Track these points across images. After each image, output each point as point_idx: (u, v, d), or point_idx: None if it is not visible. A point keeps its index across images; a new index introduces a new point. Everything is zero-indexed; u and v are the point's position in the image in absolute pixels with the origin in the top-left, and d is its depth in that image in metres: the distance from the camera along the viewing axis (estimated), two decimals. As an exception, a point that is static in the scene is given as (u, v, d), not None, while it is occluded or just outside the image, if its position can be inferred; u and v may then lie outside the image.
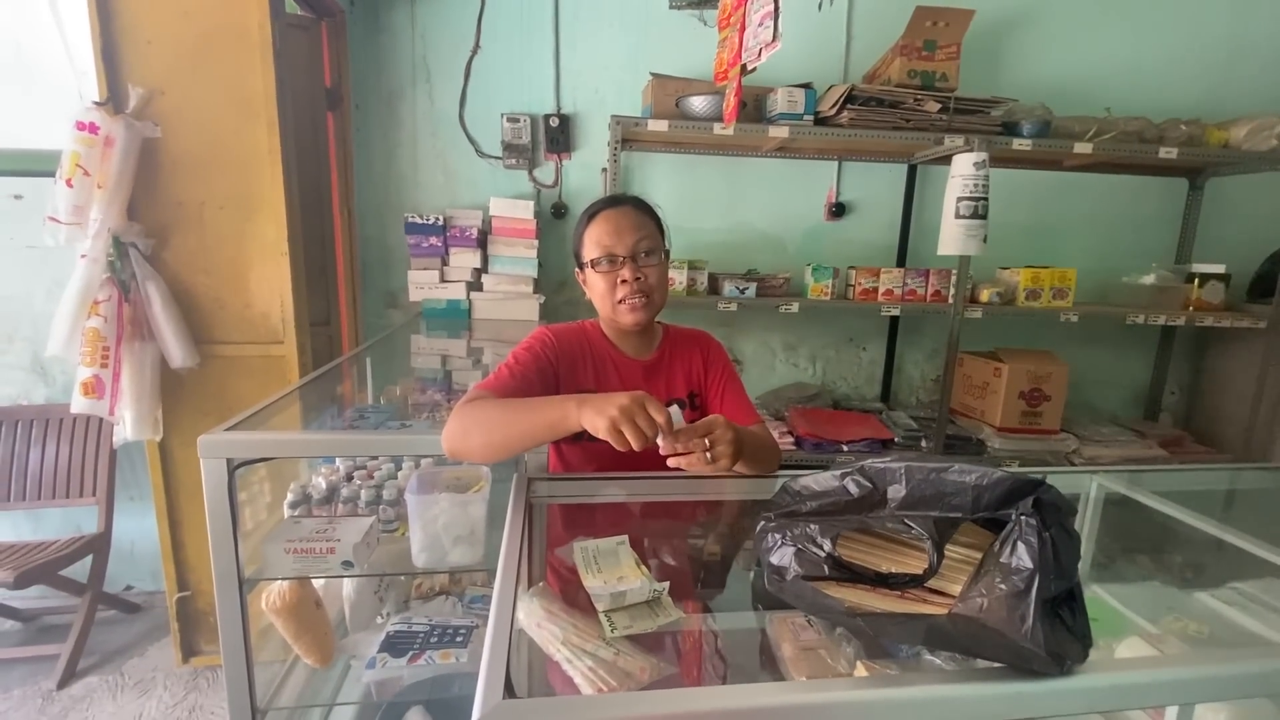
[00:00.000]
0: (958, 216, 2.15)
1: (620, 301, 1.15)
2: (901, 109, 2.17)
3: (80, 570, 2.26)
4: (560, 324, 1.24)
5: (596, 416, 0.86)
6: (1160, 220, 2.77)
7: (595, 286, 1.17)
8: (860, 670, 0.81)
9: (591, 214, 1.19)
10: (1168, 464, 2.39)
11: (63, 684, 2.12)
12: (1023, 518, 0.62)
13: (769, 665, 0.97)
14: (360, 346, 2.44)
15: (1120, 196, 2.73)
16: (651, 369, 1.24)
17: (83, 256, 1.81)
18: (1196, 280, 2.51)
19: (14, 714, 2.00)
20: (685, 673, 0.90)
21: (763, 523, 0.80)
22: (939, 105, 2.16)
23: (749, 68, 1.68)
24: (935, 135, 2.19)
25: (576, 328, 1.25)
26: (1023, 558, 0.60)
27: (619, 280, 1.14)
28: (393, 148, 2.50)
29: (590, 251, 1.16)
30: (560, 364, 1.16)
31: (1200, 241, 2.74)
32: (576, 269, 1.24)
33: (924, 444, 2.41)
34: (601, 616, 0.70)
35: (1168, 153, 2.29)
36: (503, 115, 2.47)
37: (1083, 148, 2.25)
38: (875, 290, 2.39)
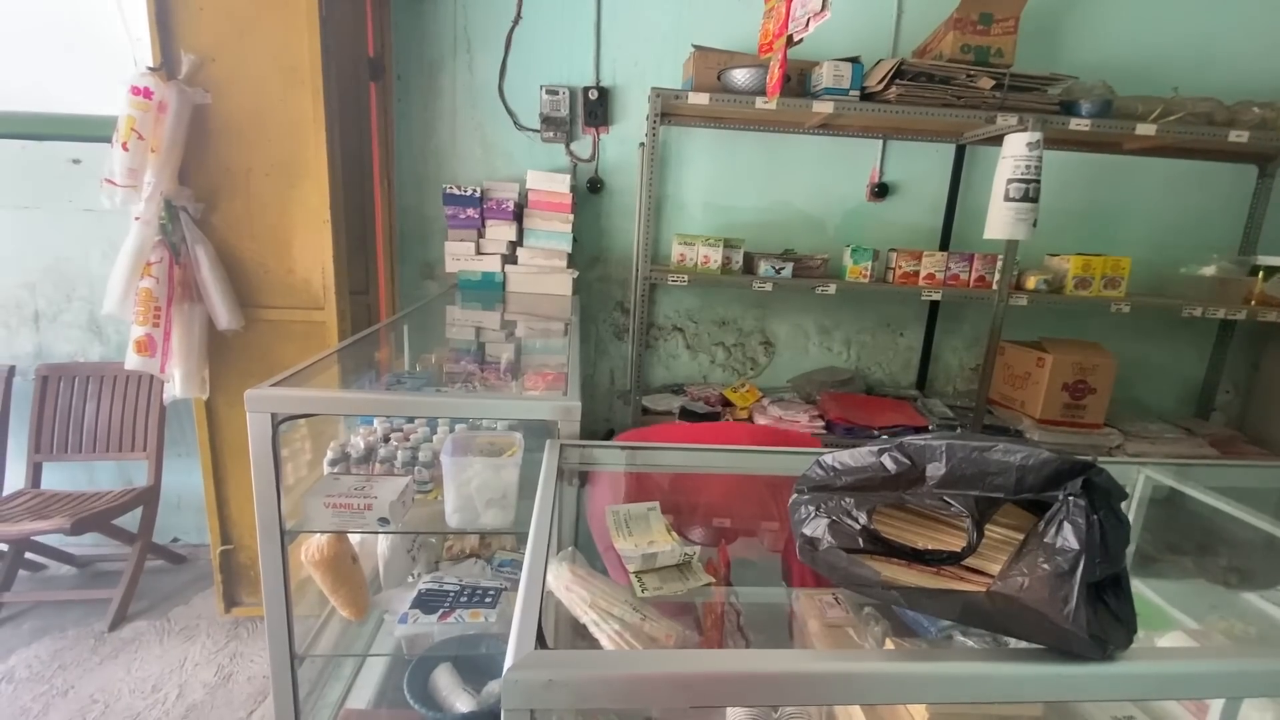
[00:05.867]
0: (1007, 199, 2.07)
1: None
2: (953, 85, 2.08)
3: (131, 521, 2.38)
4: None
5: None
6: (1225, 209, 2.63)
7: None
8: (889, 647, 0.80)
9: None
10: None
11: (114, 626, 2.24)
12: (1070, 498, 0.61)
13: (795, 640, 0.97)
14: (397, 314, 2.48)
15: (1183, 182, 2.59)
16: None
17: (136, 219, 1.87)
18: (1261, 273, 2.38)
19: (69, 653, 2.12)
20: (709, 643, 0.91)
21: (796, 495, 0.79)
22: (993, 82, 2.07)
23: (795, 39, 1.64)
24: (987, 114, 2.11)
25: None
26: (1068, 538, 0.59)
27: None
28: (432, 119, 2.52)
29: None
30: None
31: (1268, 232, 2.59)
32: None
33: (959, 433, 2.36)
34: (632, 577, 0.71)
35: (1238, 136, 2.17)
36: (542, 87, 2.45)
37: (1145, 129, 2.14)
38: (916, 274, 2.33)
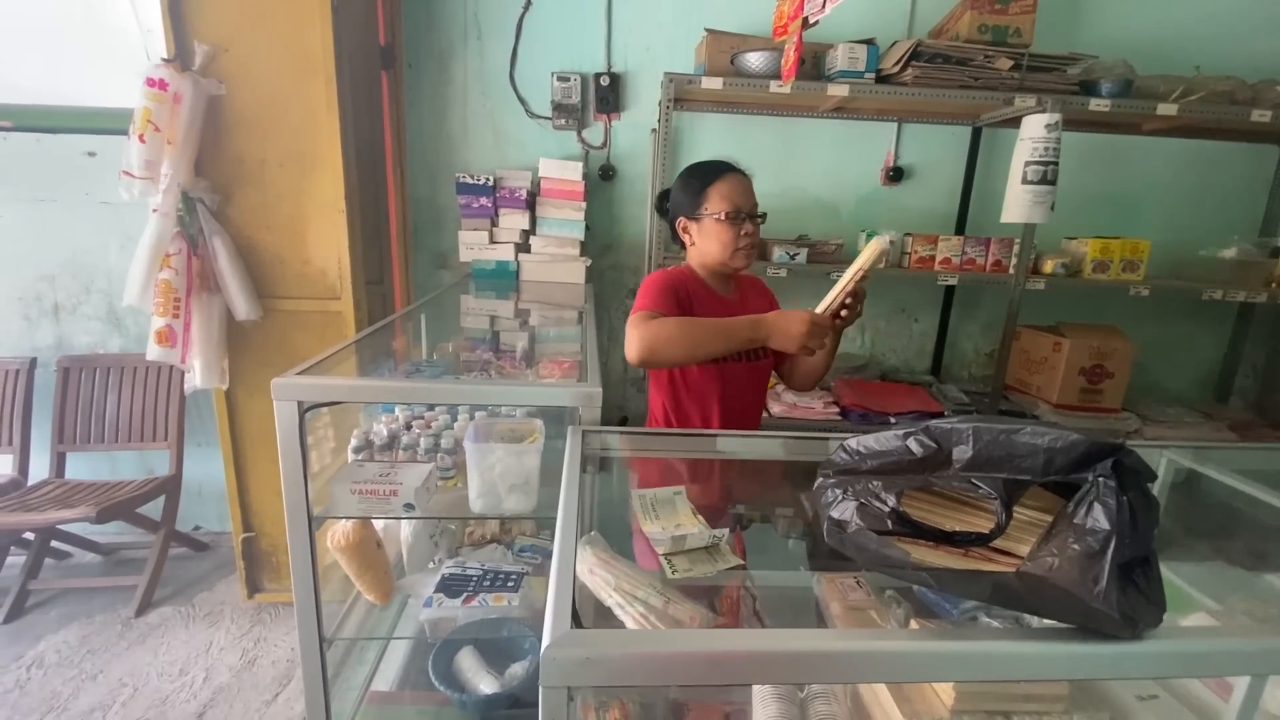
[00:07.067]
0: (1024, 182, 2.05)
1: (739, 249, 1.35)
2: (970, 66, 2.06)
3: (154, 509, 2.42)
4: (667, 270, 1.41)
5: (787, 341, 1.20)
6: (1246, 190, 2.59)
7: (719, 235, 1.35)
8: (914, 628, 0.81)
9: (719, 172, 1.36)
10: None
11: (140, 612, 2.29)
12: (1101, 479, 0.61)
13: (817, 623, 0.98)
14: (413, 304, 2.49)
15: (1203, 163, 2.55)
16: (737, 305, 1.45)
17: (154, 211, 1.89)
18: (1283, 255, 2.35)
19: (97, 638, 2.17)
20: (732, 625, 0.92)
21: (821, 479, 0.80)
22: (1011, 62, 2.05)
23: (811, 21, 1.62)
24: (1005, 95, 2.08)
25: (678, 273, 1.41)
26: (1099, 519, 0.59)
27: (742, 232, 1.34)
28: (444, 107, 2.51)
29: (720, 205, 1.34)
30: (681, 298, 1.35)
31: (1289, 214, 2.56)
32: (685, 218, 1.40)
33: (976, 416, 2.35)
34: (662, 559, 0.72)
35: (1260, 115, 2.13)
36: (553, 74, 2.44)
37: (1166, 109, 2.11)
38: (932, 259, 2.31)
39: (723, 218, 1.33)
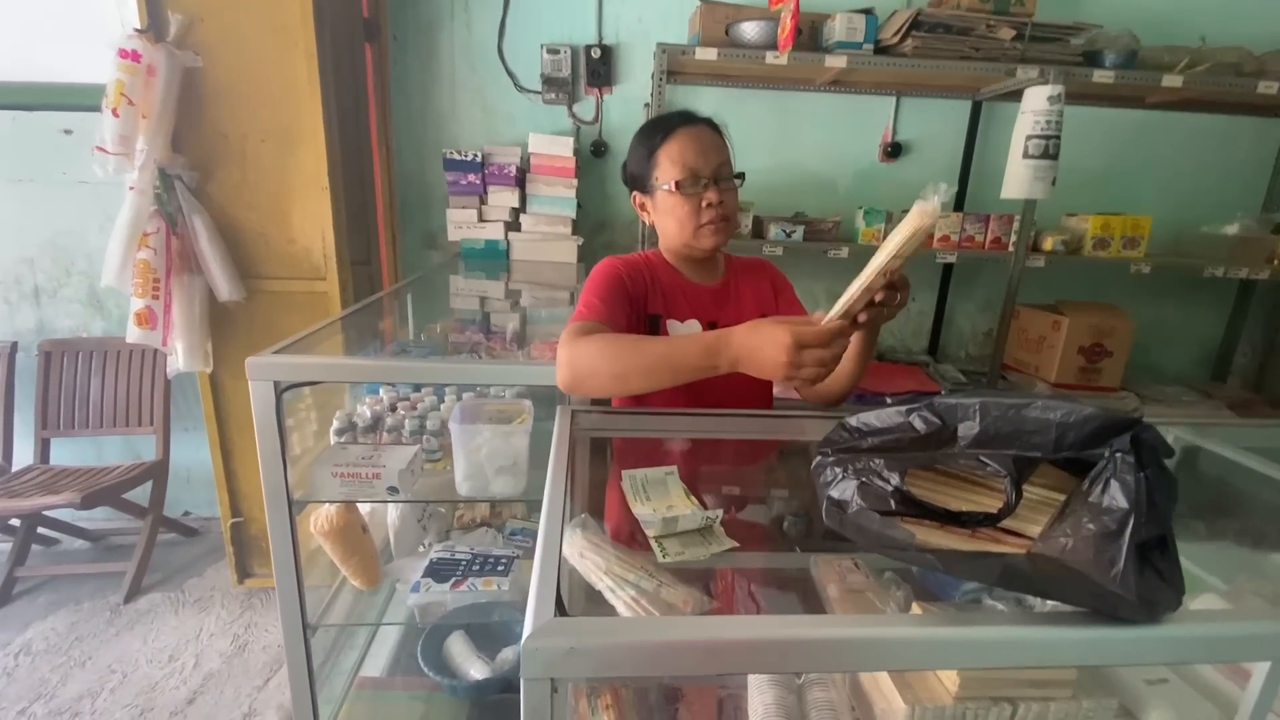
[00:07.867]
0: (1025, 156, 2.00)
1: (703, 225, 1.08)
2: (971, 36, 2.00)
3: (141, 495, 2.38)
4: (623, 255, 1.17)
5: (760, 370, 0.83)
6: (1250, 165, 2.54)
7: (674, 210, 1.09)
8: (916, 611, 0.78)
9: (666, 131, 1.09)
10: (1236, 426, 2.26)
11: (129, 599, 2.26)
12: (1118, 455, 0.57)
13: (814, 606, 0.95)
14: (400, 283, 2.44)
15: (1207, 138, 2.51)
16: (720, 295, 1.19)
17: (131, 188, 1.83)
18: (1285, 231, 2.32)
19: (85, 624, 2.14)
20: (721, 610, 0.89)
21: (819, 458, 0.76)
22: (1014, 32, 1.98)
23: (809, -14, 1.56)
24: (1007, 66, 2.02)
25: (640, 258, 1.17)
26: (1116, 497, 0.55)
27: (704, 204, 1.07)
28: (430, 81, 2.44)
29: (670, 173, 1.07)
30: (634, 291, 1.11)
31: (1293, 190, 2.52)
32: (639, 193, 1.15)
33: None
34: (653, 542, 0.68)
35: (1267, 87, 2.08)
36: (543, 46, 2.37)
37: (1171, 81, 2.05)
38: (930, 236, 2.27)
39: (673, 188, 1.06)
